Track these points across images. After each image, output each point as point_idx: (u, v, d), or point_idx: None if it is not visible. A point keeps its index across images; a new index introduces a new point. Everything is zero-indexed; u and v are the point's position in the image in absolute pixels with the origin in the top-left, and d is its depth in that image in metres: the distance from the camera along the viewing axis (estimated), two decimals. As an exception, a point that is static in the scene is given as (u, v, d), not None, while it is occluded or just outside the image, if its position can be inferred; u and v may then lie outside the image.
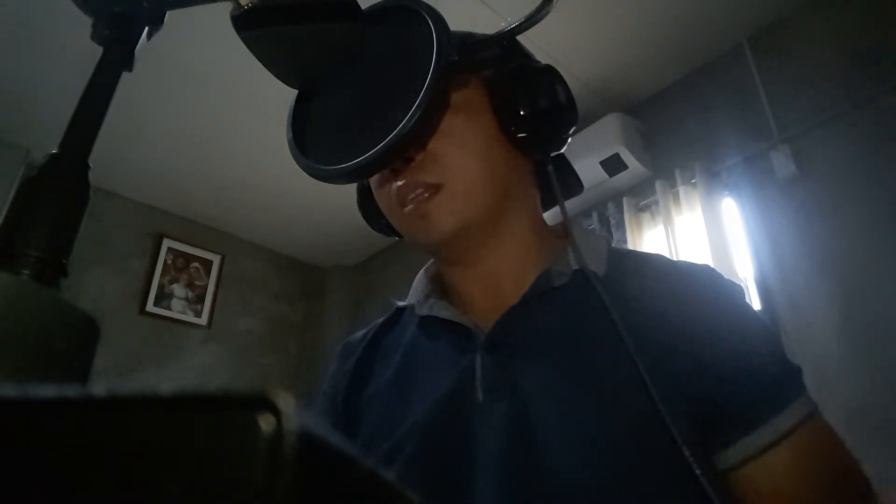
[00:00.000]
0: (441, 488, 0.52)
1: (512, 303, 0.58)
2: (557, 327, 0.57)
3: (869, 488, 0.54)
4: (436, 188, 0.56)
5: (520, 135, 0.58)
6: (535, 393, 0.53)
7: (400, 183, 0.57)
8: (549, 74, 0.60)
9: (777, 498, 0.51)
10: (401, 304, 0.71)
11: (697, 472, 0.46)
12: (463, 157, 0.57)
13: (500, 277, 0.61)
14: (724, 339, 0.53)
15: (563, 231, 0.63)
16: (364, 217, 0.70)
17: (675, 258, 0.63)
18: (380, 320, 0.72)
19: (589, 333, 0.55)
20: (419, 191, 0.56)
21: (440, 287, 0.66)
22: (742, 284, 0.61)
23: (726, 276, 0.60)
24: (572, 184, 0.68)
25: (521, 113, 0.58)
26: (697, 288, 0.57)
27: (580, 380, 0.53)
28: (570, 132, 0.61)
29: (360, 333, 0.73)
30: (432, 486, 0.53)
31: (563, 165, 0.67)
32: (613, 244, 0.66)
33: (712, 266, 0.61)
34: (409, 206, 0.57)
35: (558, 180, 0.61)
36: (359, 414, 0.64)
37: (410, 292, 0.69)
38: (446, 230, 0.56)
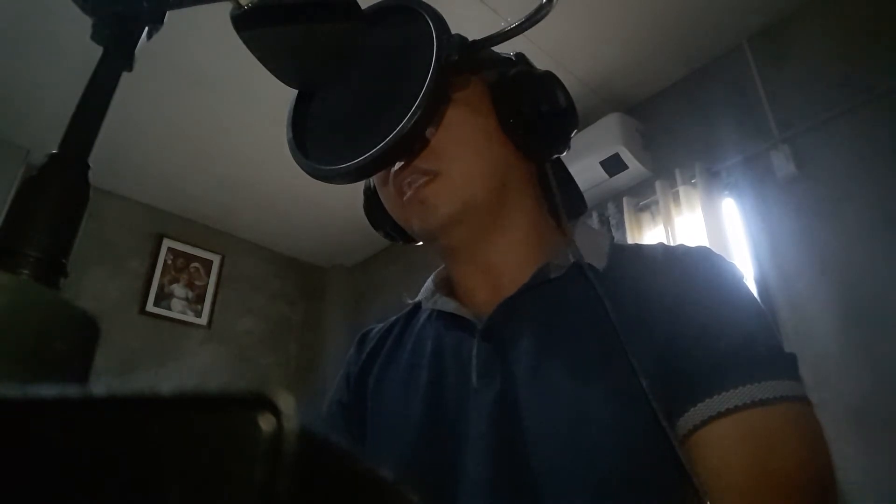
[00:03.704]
0: (437, 471, 0.55)
1: (511, 294, 0.60)
2: (549, 316, 0.58)
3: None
4: (433, 175, 0.57)
5: (522, 134, 0.60)
6: (523, 379, 0.55)
7: (398, 167, 0.58)
8: (551, 80, 0.62)
9: (704, 478, 0.47)
10: (410, 300, 0.74)
11: (682, 458, 0.47)
12: (461, 149, 0.58)
13: (500, 272, 0.62)
14: (710, 311, 0.53)
15: (566, 229, 0.65)
16: (371, 222, 0.71)
17: (673, 244, 0.64)
18: (396, 316, 0.75)
19: (579, 321, 0.57)
20: (416, 176, 0.57)
21: (448, 286, 0.69)
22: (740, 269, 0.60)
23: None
24: (574, 200, 0.70)
25: (525, 114, 0.60)
26: (691, 268, 0.57)
27: (566, 366, 0.54)
28: (572, 135, 0.63)
29: (378, 326, 0.76)
30: (431, 470, 0.56)
31: (567, 179, 0.69)
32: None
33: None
34: (408, 194, 0.58)
35: (560, 189, 0.63)
36: (367, 400, 0.68)
37: (421, 290, 0.72)
38: (444, 215, 0.57)
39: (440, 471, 0.55)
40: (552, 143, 0.62)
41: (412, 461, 0.57)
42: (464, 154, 0.58)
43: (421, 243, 0.70)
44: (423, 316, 0.70)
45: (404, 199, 0.59)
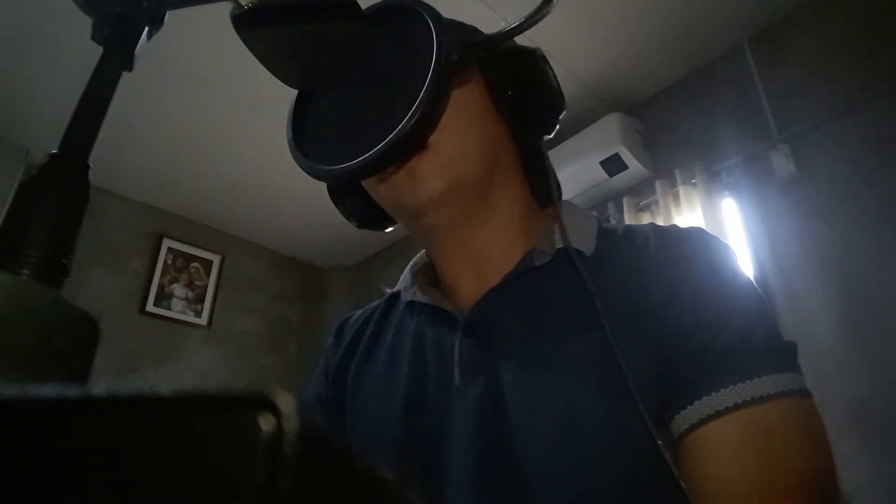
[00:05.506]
0: (421, 470, 0.53)
1: (495, 285, 0.58)
2: (534, 307, 0.56)
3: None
4: (424, 147, 0.54)
5: (514, 108, 0.58)
6: (509, 377, 0.53)
7: None
8: (541, 57, 0.60)
9: (703, 479, 0.45)
10: (389, 290, 0.72)
11: (668, 458, 0.45)
12: (455, 120, 0.55)
13: (485, 259, 0.60)
14: (705, 302, 0.51)
15: (553, 212, 0.62)
16: (333, 198, 0.67)
17: (665, 225, 0.61)
18: (376, 303, 0.73)
19: (567, 314, 0.55)
20: None
21: (429, 274, 0.67)
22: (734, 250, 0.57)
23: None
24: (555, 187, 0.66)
25: (517, 86, 0.58)
26: (685, 252, 0.55)
27: (554, 364, 0.52)
28: (560, 116, 0.61)
29: (356, 313, 0.74)
30: (414, 469, 0.54)
31: (548, 166, 0.66)
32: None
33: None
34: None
35: (543, 174, 0.61)
36: (346, 392, 0.66)
37: (400, 279, 0.69)
38: (433, 189, 0.54)
39: (422, 472, 0.53)
40: (543, 119, 0.60)
41: (392, 462, 0.55)
42: (457, 126, 0.55)
43: (391, 230, 0.67)
44: (402, 305, 0.67)
45: (389, 169, 0.55)
